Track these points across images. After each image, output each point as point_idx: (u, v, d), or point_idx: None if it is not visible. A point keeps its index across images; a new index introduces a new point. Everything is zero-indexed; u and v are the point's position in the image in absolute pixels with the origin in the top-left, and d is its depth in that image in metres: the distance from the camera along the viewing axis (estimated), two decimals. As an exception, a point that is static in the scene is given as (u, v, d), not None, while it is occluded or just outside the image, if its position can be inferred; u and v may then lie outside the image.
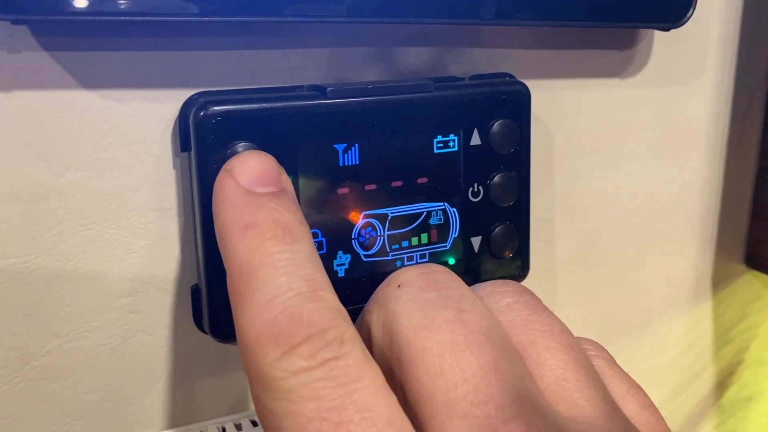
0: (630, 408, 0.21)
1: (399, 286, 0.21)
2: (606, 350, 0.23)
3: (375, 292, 0.22)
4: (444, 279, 0.21)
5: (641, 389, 0.22)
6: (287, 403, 0.17)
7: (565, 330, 0.22)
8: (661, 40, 0.35)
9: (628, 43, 0.35)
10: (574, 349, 0.21)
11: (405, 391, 0.19)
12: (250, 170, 0.22)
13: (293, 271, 0.19)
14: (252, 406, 0.30)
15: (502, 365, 0.19)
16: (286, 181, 0.23)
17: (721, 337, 0.43)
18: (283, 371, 0.18)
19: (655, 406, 0.22)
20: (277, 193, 0.22)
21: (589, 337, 0.24)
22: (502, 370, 0.19)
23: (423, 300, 0.20)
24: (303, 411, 0.17)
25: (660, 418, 0.21)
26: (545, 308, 0.23)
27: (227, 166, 0.22)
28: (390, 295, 0.21)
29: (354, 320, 0.21)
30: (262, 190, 0.22)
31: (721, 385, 0.44)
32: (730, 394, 0.44)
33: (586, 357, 0.21)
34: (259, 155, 0.23)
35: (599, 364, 0.22)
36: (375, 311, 0.22)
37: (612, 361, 0.23)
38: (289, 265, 0.20)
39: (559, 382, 0.20)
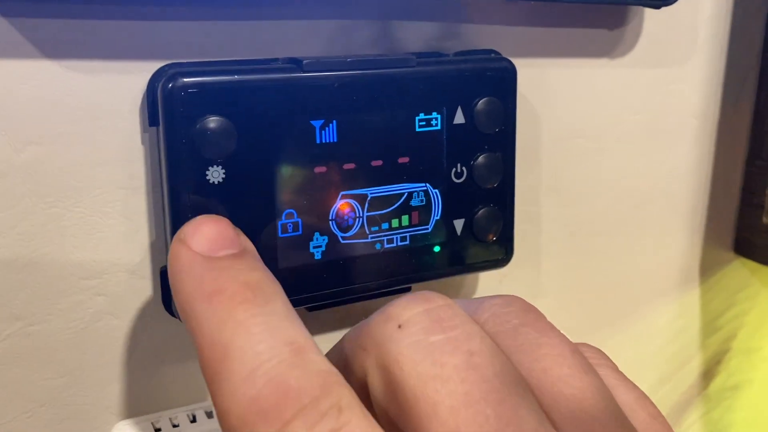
0: (640, 419, 0.20)
1: (399, 326, 0.19)
2: (608, 357, 0.22)
3: (368, 326, 0.20)
4: (447, 316, 0.19)
5: (648, 399, 0.21)
6: None
7: (575, 351, 0.21)
8: (651, 19, 0.34)
9: (618, 22, 0.34)
10: (588, 373, 0.20)
11: None
12: (205, 235, 0.20)
13: (271, 335, 0.18)
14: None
15: (521, 413, 0.17)
16: (246, 240, 0.21)
17: (709, 325, 0.43)
18: None
19: (663, 415, 0.21)
20: (239, 254, 0.20)
21: (575, 325, 0.23)
22: (522, 418, 0.17)
23: (428, 345, 0.18)
24: None
25: (670, 429, 0.20)
26: (553, 327, 0.21)
27: (179, 235, 0.20)
28: (389, 337, 0.19)
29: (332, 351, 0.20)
30: (221, 253, 0.20)
31: (708, 374, 0.44)
32: (717, 383, 0.44)
33: (600, 380, 0.20)
34: (211, 218, 0.21)
35: (604, 374, 0.21)
36: (372, 353, 0.19)
37: (616, 369, 0.22)
38: (266, 330, 0.18)
39: (577, 415, 0.19)
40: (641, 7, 0.34)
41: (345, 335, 0.21)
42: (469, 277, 0.33)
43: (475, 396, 0.17)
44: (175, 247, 0.20)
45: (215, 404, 0.17)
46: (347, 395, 0.17)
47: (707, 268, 0.41)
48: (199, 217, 0.21)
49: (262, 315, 0.18)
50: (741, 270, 0.42)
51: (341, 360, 0.20)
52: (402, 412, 0.18)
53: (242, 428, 0.16)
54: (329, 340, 0.30)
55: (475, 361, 0.18)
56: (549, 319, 0.21)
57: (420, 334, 0.18)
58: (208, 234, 0.20)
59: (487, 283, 0.34)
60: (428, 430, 0.17)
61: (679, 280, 0.40)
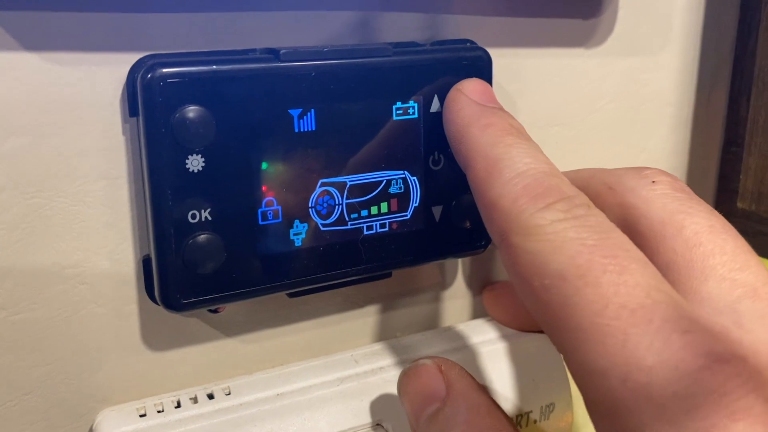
0: None
1: (653, 182, 0.24)
2: None
3: (619, 175, 0.25)
4: (685, 187, 0.24)
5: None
6: (551, 243, 0.20)
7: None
8: (626, 8, 0.35)
9: (593, 12, 0.34)
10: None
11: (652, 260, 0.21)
12: (479, 90, 0.27)
13: (534, 155, 0.23)
14: (204, 379, 0.29)
15: (751, 250, 0.22)
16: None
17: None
18: (544, 219, 0.21)
19: None
20: (502, 108, 0.26)
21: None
22: (752, 251, 0.22)
23: (675, 197, 0.23)
24: (569, 245, 0.20)
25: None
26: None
27: (458, 87, 0.27)
28: (643, 186, 0.24)
29: None
30: (491, 105, 0.26)
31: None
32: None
33: None
34: (482, 82, 0.27)
35: None
36: (619, 192, 0.25)
37: None
38: (530, 151, 0.23)
39: None
40: (615, -3, 0.34)
41: (585, 173, 0.26)
42: (448, 263, 0.33)
43: (718, 228, 0.22)
44: (453, 93, 0.27)
45: (484, 195, 0.23)
46: (592, 203, 0.22)
47: (685, 254, 0.42)
48: (473, 79, 0.27)
49: (526, 144, 0.24)
50: (718, 255, 0.43)
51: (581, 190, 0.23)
52: (639, 234, 0.23)
53: (513, 205, 0.21)
54: (312, 327, 0.31)
55: (715, 213, 0.23)
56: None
57: (668, 190, 0.24)
58: (482, 89, 0.27)
59: (468, 267, 0.34)
60: (673, 244, 0.22)
61: (657, 266, 0.41)
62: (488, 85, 0.27)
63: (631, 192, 0.24)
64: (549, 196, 0.21)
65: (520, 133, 0.24)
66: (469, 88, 0.27)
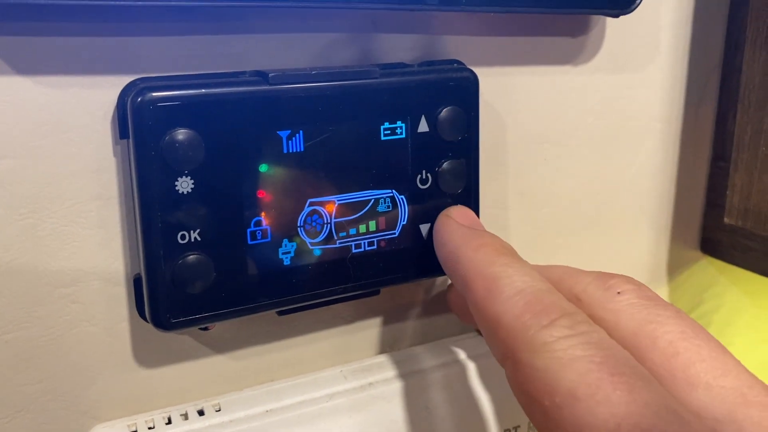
0: None
1: (618, 293, 0.25)
2: None
3: (585, 288, 0.25)
4: (652, 294, 0.25)
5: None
6: (560, 360, 0.20)
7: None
8: (613, 26, 0.35)
9: (580, 30, 0.35)
10: None
11: None
12: (467, 215, 0.29)
13: (530, 273, 0.24)
14: (195, 396, 0.29)
15: (725, 349, 0.22)
16: None
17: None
18: (550, 336, 0.21)
19: None
20: (488, 232, 0.28)
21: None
22: (726, 351, 0.22)
23: (642, 305, 0.24)
24: (578, 362, 0.20)
25: None
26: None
27: (446, 213, 0.29)
28: (609, 299, 0.25)
29: None
30: (478, 227, 0.28)
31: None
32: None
33: None
34: (467, 209, 0.30)
35: None
36: (586, 305, 0.25)
37: None
38: (525, 269, 0.24)
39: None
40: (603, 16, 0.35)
41: (553, 275, 0.26)
42: (438, 280, 0.34)
43: (689, 334, 0.22)
44: (442, 219, 0.29)
45: (486, 311, 0.23)
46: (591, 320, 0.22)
47: (674, 268, 0.42)
48: (459, 206, 0.30)
49: (520, 263, 0.25)
50: (708, 268, 0.43)
51: None
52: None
53: (516, 322, 0.22)
54: (301, 343, 0.31)
55: (682, 314, 0.23)
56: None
57: (635, 299, 0.24)
58: (470, 215, 0.29)
59: (457, 285, 0.34)
60: (651, 356, 0.22)
61: (646, 279, 0.41)
62: (473, 212, 0.30)
63: (598, 304, 0.25)
64: (552, 312, 0.22)
65: (512, 252, 0.26)
66: (457, 213, 0.29)
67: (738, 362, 0.22)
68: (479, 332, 0.33)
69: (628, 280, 0.25)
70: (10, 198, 0.25)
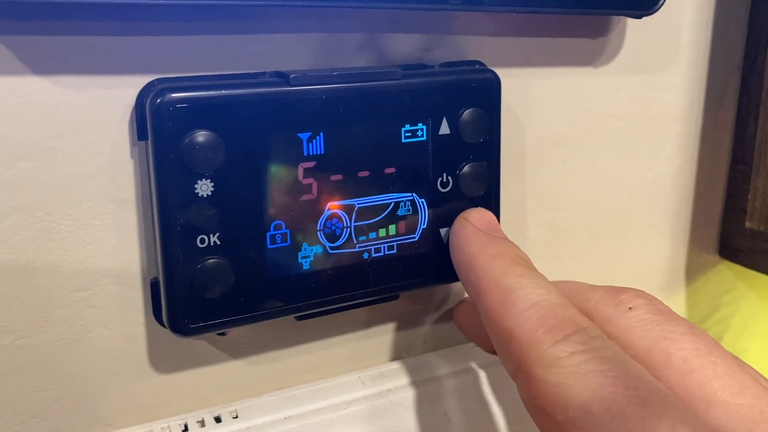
0: None
1: (630, 308, 0.24)
2: None
3: (596, 306, 0.25)
4: (665, 306, 0.24)
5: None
6: (573, 375, 0.20)
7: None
8: (634, 27, 0.35)
9: (600, 31, 0.34)
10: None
11: None
12: (486, 219, 0.28)
13: (545, 285, 0.24)
14: (212, 402, 0.29)
15: (742, 363, 0.22)
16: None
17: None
18: (564, 351, 0.21)
19: None
20: (507, 238, 0.27)
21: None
22: (744, 366, 0.22)
23: (654, 320, 0.23)
24: (591, 377, 0.20)
25: None
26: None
27: (464, 215, 0.28)
28: (620, 315, 0.24)
29: None
30: (497, 234, 0.27)
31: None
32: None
33: None
34: (487, 212, 0.29)
35: None
36: (597, 321, 0.24)
37: None
38: (540, 282, 0.24)
39: None
40: (623, 17, 0.34)
41: (564, 290, 0.25)
42: (456, 285, 0.33)
43: (703, 351, 0.22)
44: (460, 222, 0.28)
45: (499, 324, 0.23)
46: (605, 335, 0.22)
47: (692, 272, 0.42)
48: (478, 209, 0.29)
49: (534, 275, 0.24)
50: (726, 273, 0.43)
51: None
52: None
53: (530, 336, 0.22)
54: (318, 348, 0.31)
55: (696, 330, 0.23)
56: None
57: (647, 315, 0.24)
58: (488, 219, 0.28)
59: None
60: (665, 373, 0.22)
61: (664, 284, 0.41)
62: (493, 215, 0.29)
63: (608, 322, 0.24)
64: (565, 327, 0.22)
65: (528, 263, 0.25)
66: (476, 217, 0.28)
67: (754, 379, 0.22)
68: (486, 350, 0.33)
69: (639, 293, 0.25)
70: (25, 200, 0.24)
